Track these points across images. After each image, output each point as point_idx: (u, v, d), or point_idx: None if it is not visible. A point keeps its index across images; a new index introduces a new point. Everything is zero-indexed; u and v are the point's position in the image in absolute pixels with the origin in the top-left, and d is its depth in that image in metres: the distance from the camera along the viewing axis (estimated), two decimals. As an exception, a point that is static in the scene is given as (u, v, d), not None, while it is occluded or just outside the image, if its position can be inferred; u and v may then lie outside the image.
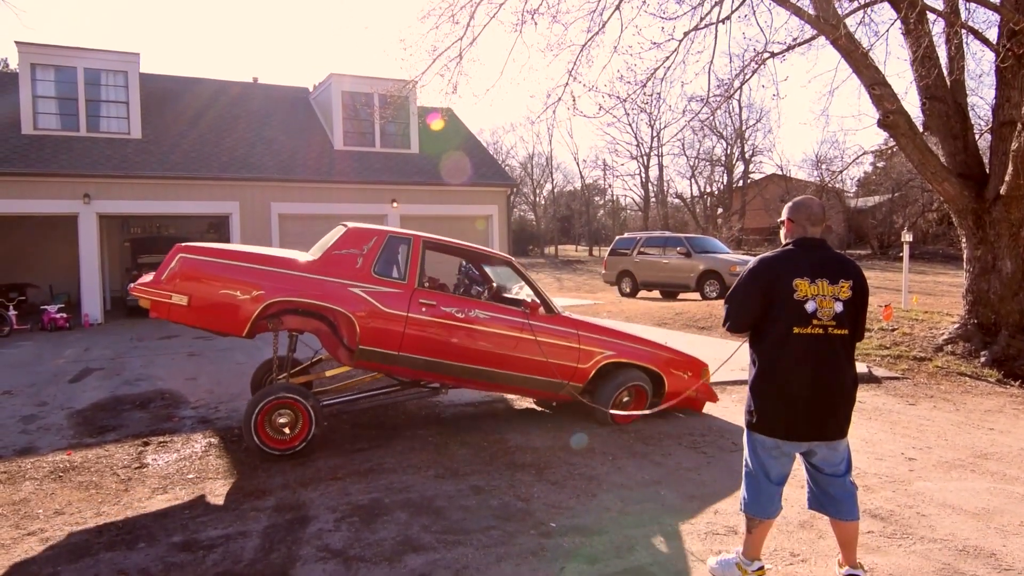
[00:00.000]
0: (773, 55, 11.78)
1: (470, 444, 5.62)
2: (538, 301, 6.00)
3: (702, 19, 6.69)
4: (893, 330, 10.05)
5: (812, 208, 3.09)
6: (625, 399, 6.21)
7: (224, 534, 3.97)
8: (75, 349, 10.81)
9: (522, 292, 6.73)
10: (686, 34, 6.56)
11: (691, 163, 47.97)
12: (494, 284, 6.95)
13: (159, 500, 4.57)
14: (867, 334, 10.03)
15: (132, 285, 5.25)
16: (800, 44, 11.96)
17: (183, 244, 5.25)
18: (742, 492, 3.22)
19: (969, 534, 3.75)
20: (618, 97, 7.71)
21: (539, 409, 6.75)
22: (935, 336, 9.47)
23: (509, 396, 7.26)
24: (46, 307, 13.32)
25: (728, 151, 46.26)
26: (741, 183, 45.89)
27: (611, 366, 6.18)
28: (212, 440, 5.98)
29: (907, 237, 13.13)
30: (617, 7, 9.02)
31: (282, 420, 5.30)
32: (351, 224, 5.77)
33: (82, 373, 8.84)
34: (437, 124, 16.40)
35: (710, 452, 5.31)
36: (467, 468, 5.01)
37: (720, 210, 46.97)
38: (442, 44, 8.49)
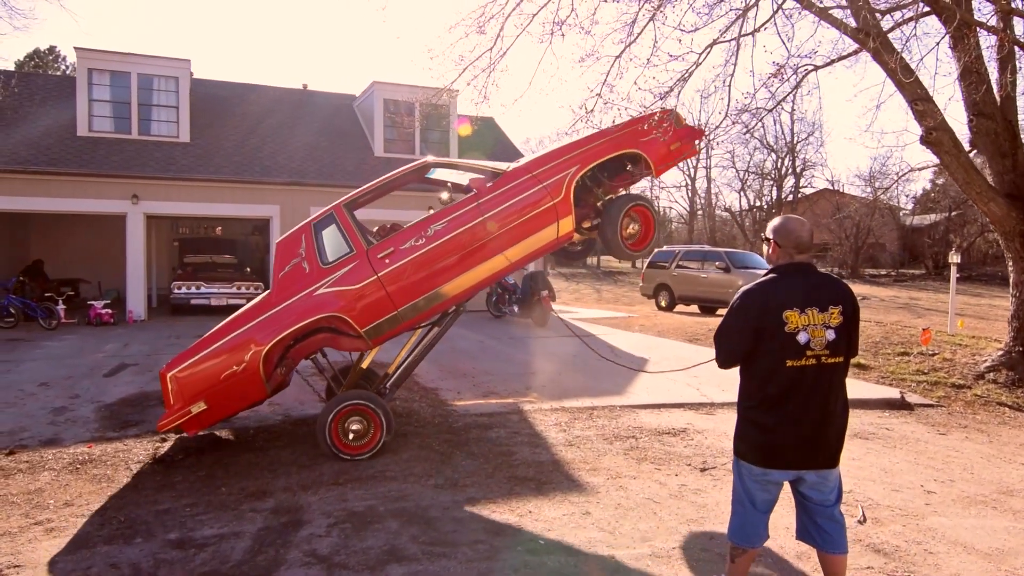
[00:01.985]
0: (816, 68, 11.52)
1: (476, 455, 5.60)
2: (480, 176, 5.71)
3: (721, 33, 6.57)
4: (933, 355, 9.66)
5: (801, 236, 2.95)
6: (632, 229, 5.87)
7: (218, 533, 4.03)
8: (115, 344, 11.19)
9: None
10: (708, 46, 6.44)
11: (741, 176, 47.21)
12: (449, 184, 6.54)
13: (165, 496, 4.68)
14: (905, 358, 9.67)
15: (159, 424, 5.37)
16: (845, 57, 11.66)
17: (163, 368, 5.37)
18: (730, 519, 3.12)
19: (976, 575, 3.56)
20: (644, 107, 7.62)
21: (554, 423, 6.69)
22: (977, 363, 9.06)
23: (526, 408, 7.22)
24: (92, 302, 13.83)
25: (778, 164, 45.34)
26: (791, 198, 44.89)
27: (585, 177, 5.81)
28: (229, 438, 6.11)
29: (955, 258, 12.63)
30: (652, 18, 8.92)
31: (355, 427, 5.41)
32: (277, 240, 5.83)
33: (117, 368, 9.14)
34: (464, 129, 16.52)
35: (718, 475, 5.17)
36: (468, 480, 4.99)
37: (769, 225, 46.00)
38: (470, 55, 8.56)
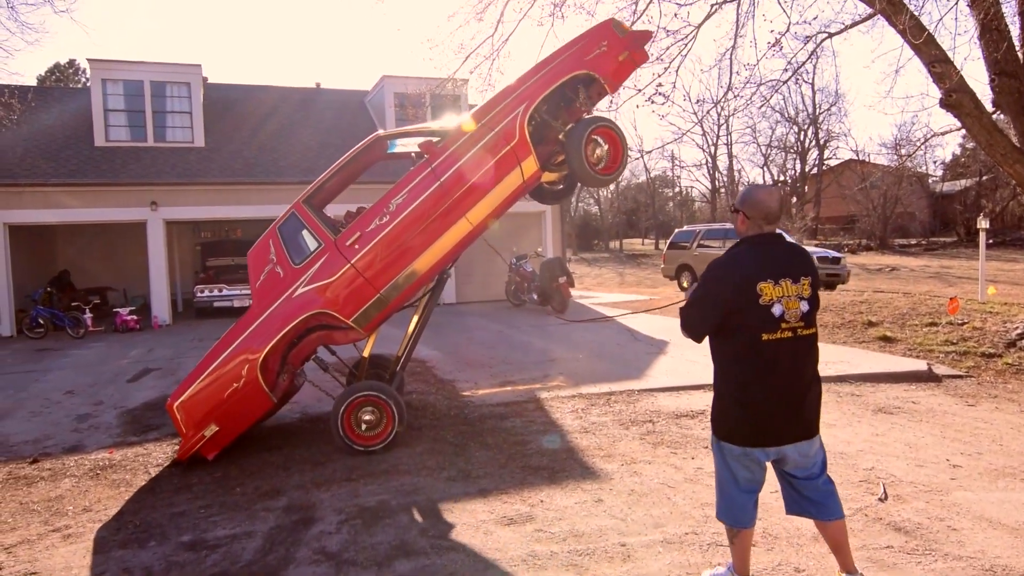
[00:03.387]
0: (830, 35, 11.22)
1: (490, 446, 5.56)
2: (430, 140, 5.54)
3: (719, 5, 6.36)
4: (962, 324, 9.39)
5: (770, 206, 2.85)
6: (599, 153, 5.57)
7: (231, 534, 4.05)
8: (140, 350, 11.36)
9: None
10: (709, 16, 6.26)
11: (763, 150, 46.43)
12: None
13: (181, 498, 4.72)
14: (933, 329, 9.42)
15: (179, 455, 5.41)
16: (860, 22, 11.35)
17: (169, 400, 5.38)
18: (716, 500, 3.06)
19: (1001, 551, 3.42)
20: (637, 88, 7.48)
21: (571, 410, 6.63)
22: (1008, 330, 8.79)
23: (542, 396, 7.17)
24: (118, 309, 14.07)
25: (799, 137, 44.47)
26: (815, 170, 44.05)
27: (540, 112, 5.59)
28: (245, 438, 6.14)
29: (983, 224, 12.26)
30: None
31: (367, 417, 5.39)
32: (249, 253, 5.83)
33: (140, 373, 9.28)
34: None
35: (736, 456, 5.07)
36: (480, 471, 4.96)
37: (795, 199, 45.21)
38: (471, 43, 8.47)
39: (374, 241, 5.32)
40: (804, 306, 2.77)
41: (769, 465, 2.94)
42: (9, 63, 54.51)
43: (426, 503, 4.38)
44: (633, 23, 9.38)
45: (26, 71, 56.76)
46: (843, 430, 5.65)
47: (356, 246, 5.34)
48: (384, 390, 5.45)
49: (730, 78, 6.42)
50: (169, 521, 4.31)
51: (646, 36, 5.96)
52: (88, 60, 14.93)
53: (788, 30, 5.56)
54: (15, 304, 13.86)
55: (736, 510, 2.91)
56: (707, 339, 2.95)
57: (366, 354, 5.88)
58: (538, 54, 18.33)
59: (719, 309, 2.79)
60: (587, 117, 5.81)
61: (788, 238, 3.04)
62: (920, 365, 7.83)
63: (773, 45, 5.49)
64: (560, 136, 5.86)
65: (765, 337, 2.73)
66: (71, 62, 40.69)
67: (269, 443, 5.97)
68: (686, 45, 6.05)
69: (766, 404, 2.77)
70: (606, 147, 5.65)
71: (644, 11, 8.71)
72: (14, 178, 13.37)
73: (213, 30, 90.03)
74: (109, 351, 11.39)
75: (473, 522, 4.04)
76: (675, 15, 6.84)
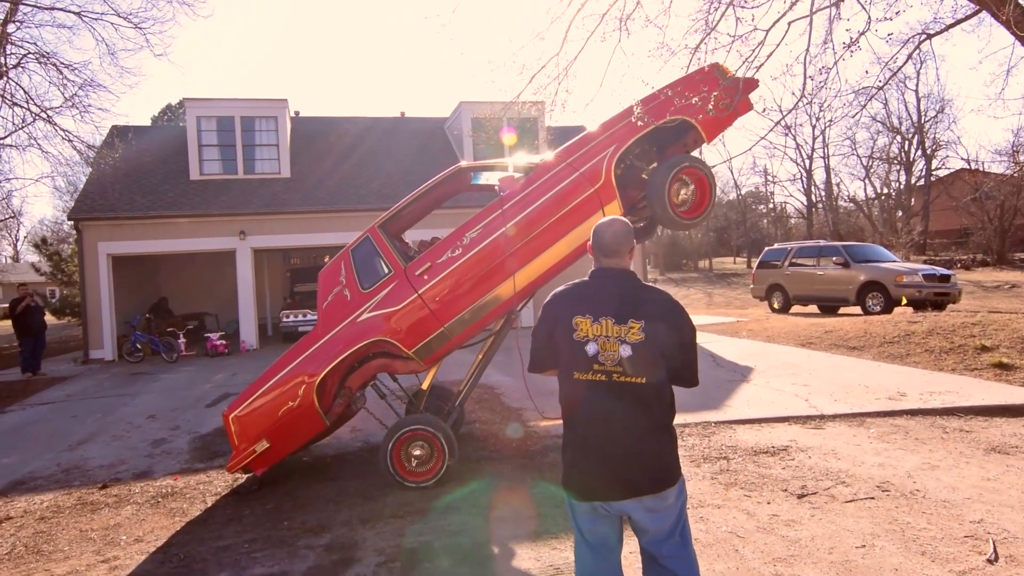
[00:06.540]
0: (929, 36, 10.39)
1: (548, 481, 5.25)
2: (511, 175, 5.30)
3: (790, 7, 5.86)
4: (1095, 349, 8.31)
5: (604, 238, 2.59)
6: (684, 194, 5.21)
7: (268, 573, 3.93)
8: (224, 374, 11.73)
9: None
10: (776, 22, 5.80)
11: (864, 162, 43.99)
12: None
13: (229, 531, 4.66)
14: (1059, 354, 8.37)
15: (228, 465, 5.44)
16: (963, 20, 10.48)
17: (225, 409, 5.41)
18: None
19: None
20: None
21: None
22: None
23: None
24: (209, 335, 14.67)
25: (903, 147, 41.86)
26: (923, 181, 41.27)
27: (631, 156, 5.33)
28: (307, 466, 6.09)
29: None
30: (731, 3, 8.30)
31: (417, 452, 5.25)
32: (320, 273, 5.73)
33: (220, 398, 9.52)
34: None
35: (818, 502, 4.54)
36: (533, 510, 4.67)
37: (899, 213, 42.46)
38: (536, 63, 8.32)
39: (444, 273, 5.18)
40: (625, 350, 2.43)
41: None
42: (117, 105, 61.74)
43: (470, 546, 4.12)
44: (705, 37, 8.95)
45: (139, 113, 62.38)
46: (947, 473, 4.99)
47: (425, 276, 5.22)
48: (433, 423, 5.25)
49: (804, 83, 5.88)
50: (213, 555, 4.24)
51: (752, 84, 5.56)
52: (184, 99, 15.84)
53: (868, 28, 5.00)
54: (117, 330, 14.71)
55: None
56: None
57: (425, 386, 5.72)
58: (604, 71, 17.98)
59: (546, 341, 2.61)
60: (674, 156, 5.47)
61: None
62: (1043, 396, 6.93)
63: (849, 46, 4.94)
64: (643, 175, 5.58)
65: (577, 375, 2.49)
66: (181, 102, 43.73)
67: (327, 473, 5.89)
68: (752, 52, 5.63)
69: (584, 450, 2.47)
70: (692, 188, 5.30)
71: (718, 22, 8.26)
72: (115, 212, 14.27)
73: (305, 66, 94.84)
74: (196, 375, 11.83)
75: (516, 571, 3.75)
76: (738, 19, 6.34)
